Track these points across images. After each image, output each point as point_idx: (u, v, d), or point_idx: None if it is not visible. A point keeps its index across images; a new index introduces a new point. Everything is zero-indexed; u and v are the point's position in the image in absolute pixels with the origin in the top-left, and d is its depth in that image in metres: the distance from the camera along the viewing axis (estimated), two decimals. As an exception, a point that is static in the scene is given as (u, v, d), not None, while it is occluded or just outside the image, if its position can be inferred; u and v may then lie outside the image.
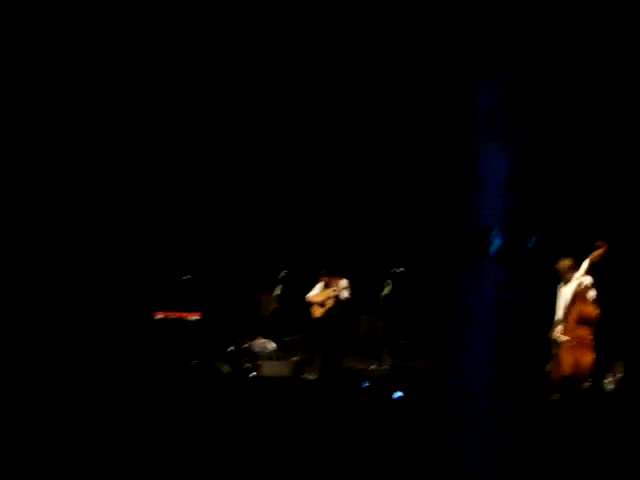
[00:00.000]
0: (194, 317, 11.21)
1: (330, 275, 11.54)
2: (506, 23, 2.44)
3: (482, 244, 2.39)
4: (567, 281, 9.47)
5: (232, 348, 11.10)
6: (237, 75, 12.14)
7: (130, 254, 12.18)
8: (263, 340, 11.78)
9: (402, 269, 12.20)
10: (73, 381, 6.22)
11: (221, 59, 11.80)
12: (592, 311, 9.16)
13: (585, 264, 9.43)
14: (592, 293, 9.34)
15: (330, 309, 11.53)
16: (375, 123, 12.91)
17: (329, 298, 11.55)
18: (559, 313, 9.55)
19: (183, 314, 11.23)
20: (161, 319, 10.97)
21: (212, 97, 12.76)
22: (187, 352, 10.74)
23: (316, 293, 11.65)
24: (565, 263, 9.64)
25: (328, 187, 14.05)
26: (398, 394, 6.51)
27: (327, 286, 11.58)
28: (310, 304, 11.70)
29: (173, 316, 11.08)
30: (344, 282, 11.56)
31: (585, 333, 9.14)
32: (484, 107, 2.46)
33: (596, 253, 9.44)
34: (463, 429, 2.34)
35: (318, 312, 11.65)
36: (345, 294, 11.53)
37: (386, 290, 12.13)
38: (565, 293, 9.53)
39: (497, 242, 2.38)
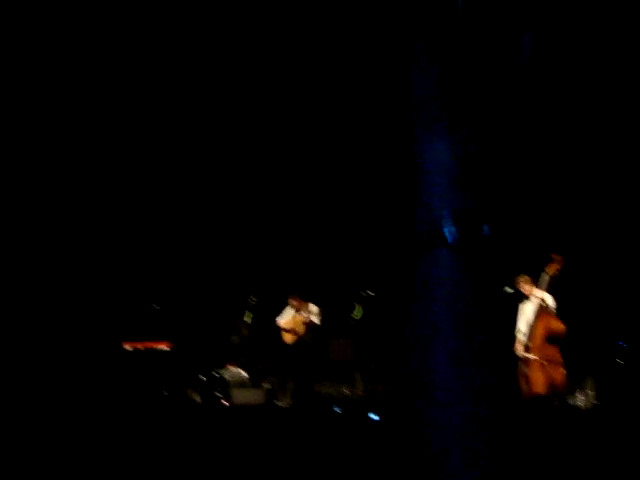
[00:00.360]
0: (163, 347, 11.08)
1: (300, 300, 11.49)
2: (436, 14, 2.48)
3: (435, 235, 2.41)
4: (526, 297, 9.46)
5: (203, 377, 10.99)
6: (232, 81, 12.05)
7: (98, 284, 12.04)
8: (234, 368, 11.69)
9: (372, 293, 12.21)
10: (44, 413, 6.12)
11: (219, 60, 11.72)
12: (559, 327, 9.13)
13: (543, 279, 9.42)
14: (552, 309, 9.34)
15: (301, 335, 11.48)
16: (316, 129, 12.85)
17: (300, 324, 11.50)
18: (520, 328, 9.54)
19: (152, 344, 11.10)
20: (131, 350, 10.83)
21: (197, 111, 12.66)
22: (158, 382, 10.62)
23: (286, 319, 11.59)
24: (523, 279, 9.66)
25: (287, 207, 14.01)
26: (374, 417, 6.50)
27: (297, 311, 11.53)
28: (280, 330, 11.64)
29: (142, 346, 10.94)
30: (314, 308, 11.51)
31: (554, 351, 9.09)
32: (422, 98, 2.49)
33: (553, 267, 9.44)
34: (427, 419, 2.35)
35: (289, 338, 11.58)
36: (315, 320, 11.49)
37: (357, 313, 12.11)
38: (526, 310, 9.50)
39: (449, 231, 2.40)
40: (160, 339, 11.26)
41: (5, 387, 7.82)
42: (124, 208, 12.60)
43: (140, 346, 10.87)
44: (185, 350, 11.19)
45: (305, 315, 11.38)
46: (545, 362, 9.06)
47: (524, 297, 9.48)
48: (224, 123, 12.76)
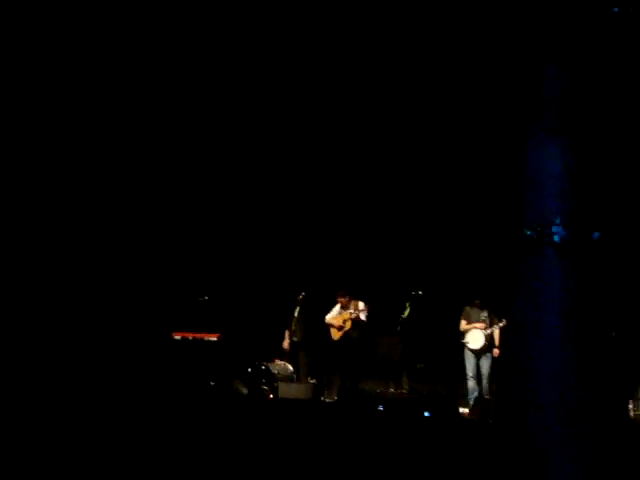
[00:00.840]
0: (212, 338, 11.19)
1: (348, 297, 11.51)
2: (570, 19, 2.45)
3: (544, 236, 2.39)
4: None
5: (250, 369, 11.06)
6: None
7: (149, 275, 12.21)
8: (281, 362, 11.74)
9: (421, 292, 12.15)
10: (91, 400, 6.23)
11: (216, 62, 11.78)
12: None
13: None
14: None
15: (347, 331, 11.49)
16: (422, 126, 12.69)
17: (347, 320, 11.51)
18: None
19: (202, 335, 11.22)
20: (179, 340, 10.97)
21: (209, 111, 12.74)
22: (205, 373, 10.73)
23: (334, 315, 11.62)
24: None
25: (347, 205, 14.03)
26: (426, 414, 6.50)
27: (344, 308, 11.54)
28: (328, 326, 11.67)
29: (191, 337, 11.07)
30: (361, 304, 11.52)
31: None
32: (545, 103, 2.48)
33: None
34: (530, 412, 2.35)
35: (336, 335, 11.61)
36: (362, 316, 11.49)
37: (405, 313, 12.06)
38: None
39: (560, 234, 2.41)
40: (209, 330, 11.38)
41: (55, 371, 7.98)
42: (179, 200, 12.75)
43: (189, 336, 11.00)
44: (233, 342, 11.29)
45: (352, 312, 11.40)
46: None
47: None
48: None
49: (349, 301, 11.51)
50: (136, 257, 12.19)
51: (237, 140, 13.20)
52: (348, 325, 11.47)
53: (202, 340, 11.12)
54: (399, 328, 12.39)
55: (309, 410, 7.93)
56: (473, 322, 10.76)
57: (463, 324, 10.85)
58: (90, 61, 11.58)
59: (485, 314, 10.73)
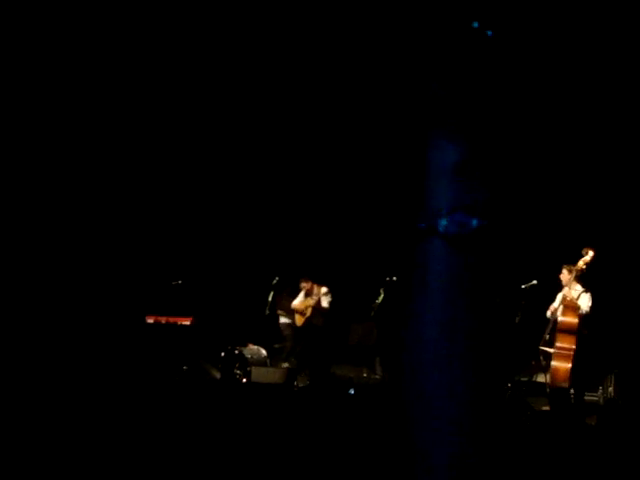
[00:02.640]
0: (185, 322, 11.14)
1: (311, 282, 11.54)
2: (450, 25, 2.61)
3: (432, 226, 2.55)
4: (568, 288, 9.41)
5: (223, 354, 11.04)
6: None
7: (122, 258, 12.13)
8: (254, 346, 11.74)
9: (395, 278, 12.18)
10: (64, 383, 6.18)
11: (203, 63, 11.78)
12: (567, 321, 9.05)
13: (572, 273, 9.36)
14: (582, 302, 9.24)
15: (309, 318, 11.53)
16: (333, 123, 12.94)
17: (308, 307, 11.56)
18: (547, 317, 9.54)
19: (174, 319, 11.16)
20: (152, 324, 10.90)
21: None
22: (178, 357, 10.69)
23: (300, 301, 11.67)
24: (565, 269, 9.63)
25: (320, 192, 14.05)
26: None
27: (308, 294, 11.58)
28: (294, 312, 11.74)
29: (164, 321, 11.00)
30: (324, 290, 11.54)
31: (567, 343, 9.01)
32: (433, 100, 2.63)
33: (583, 260, 9.36)
34: (417, 403, 2.48)
35: (299, 321, 11.69)
36: (324, 303, 11.52)
37: (379, 298, 12.10)
38: (556, 300, 9.51)
39: (444, 223, 2.53)
40: (182, 314, 11.33)
41: (22, 361, 7.92)
42: (152, 185, 12.67)
43: (162, 320, 10.93)
44: (206, 326, 11.25)
45: (314, 298, 11.43)
46: (557, 353, 9.05)
47: (565, 286, 9.46)
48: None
49: (312, 287, 11.55)
50: (108, 241, 12.10)
51: (207, 130, 13.15)
52: (309, 312, 11.52)
53: (175, 324, 11.06)
54: (373, 314, 12.44)
55: (281, 395, 7.93)
56: None
57: None
58: (88, 61, 11.52)
59: None
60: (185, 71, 11.77)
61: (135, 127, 12.44)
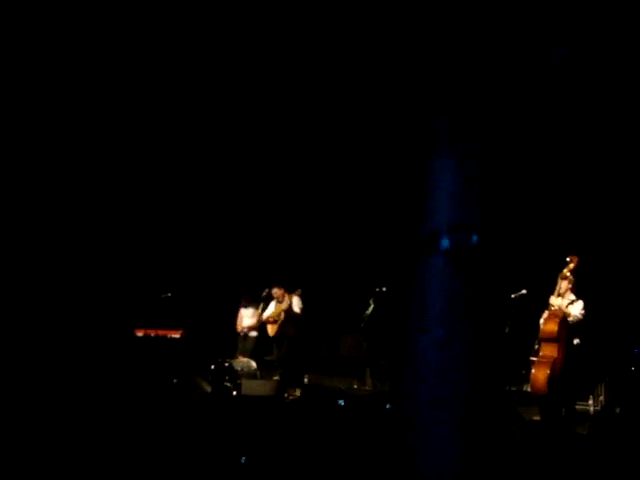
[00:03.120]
0: (175, 335, 11.10)
1: (283, 290, 11.49)
2: (454, 55, 2.74)
3: (433, 243, 2.66)
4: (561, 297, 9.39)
5: (213, 366, 11.00)
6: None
7: (111, 272, 12.08)
8: (244, 358, 11.70)
9: (384, 289, 12.18)
10: (53, 396, 6.15)
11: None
12: (548, 329, 9.04)
13: (565, 281, 9.34)
14: (575, 310, 9.23)
15: (282, 325, 11.46)
16: (338, 141, 13.01)
17: (280, 314, 11.51)
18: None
19: (164, 332, 11.12)
20: (142, 337, 10.86)
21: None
22: (168, 370, 10.64)
23: (270, 311, 11.66)
24: (560, 276, 9.64)
25: (311, 202, 14.05)
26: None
27: (280, 302, 11.55)
28: (265, 324, 11.70)
29: (154, 334, 10.96)
30: (295, 297, 11.48)
31: (550, 351, 8.98)
32: (436, 126, 2.73)
33: (567, 268, 9.36)
34: (418, 406, 2.56)
35: (272, 330, 11.66)
36: (296, 308, 11.46)
37: (369, 309, 12.09)
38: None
39: (445, 241, 2.65)
40: (172, 327, 11.28)
41: (13, 370, 7.87)
42: (140, 198, 12.64)
43: (151, 333, 10.89)
44: (196, 339, 11.21)
45: (285, 304, 11.38)
46: (537, 362, 9.02)
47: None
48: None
49: (284, 295, 11.51)
50: (99, 253, 12.05)
51: (199, 138, 13.15)
52: (282, 317, 11.47)
53: (165, 337, 11.02)
54: (363, 325, 12.42)
55: (271, 407, 7.90)
56: None
57: None
58: (86, 60, 11.50)
59: None
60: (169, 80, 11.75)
61: (123, 139, 12.42)
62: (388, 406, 5.61)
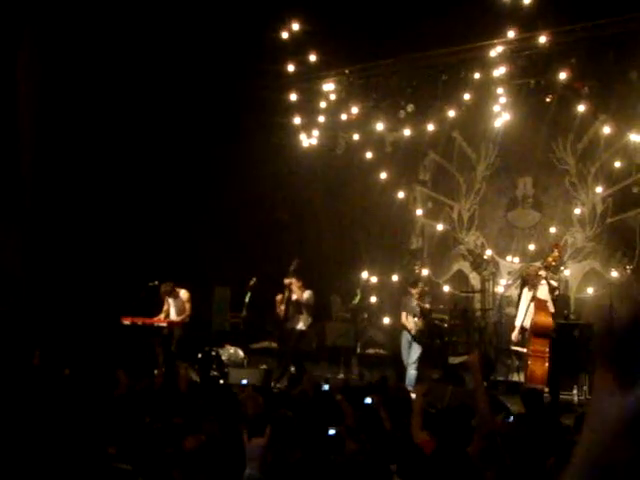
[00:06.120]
0: (162, 323, 11.07)
1: (172, 286, 11.10)
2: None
3: None
4: (532, 286, 9.32)
5: (200, 355, 11.00)
6: None
7: (98, 260, 12.03)
8: (232, 347, 11.71)
9: (371, 279, 12.22)
10: (37, 385, 6.13)
11: None
12: (544, 322, 8.93)
13: (543, 270, 9.25)
14: (544, 288, 9.17)
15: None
16: None
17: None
18: (518, 318, 9.46)
19: (151, 320, 11.09)
20: (128, 325, 10.81)
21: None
22: (154, 358, 10.63)
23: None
24: (533, 267, 9.63)
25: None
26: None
27: (167, 297, 11.18)
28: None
29: (140, 322, 10.91)
30: (182, 292, 11.17)
31: (542, 345, 8.91)
32: None
33: (552, 256, 9.30)
34: None
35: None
36: (185, 305, 11.14)
37: (356, 299, 12.13)
38: (525, 299, 9.45)
39: None
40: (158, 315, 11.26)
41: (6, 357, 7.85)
42: (126, 187, 12.59)
43: (138, 321, 10.85)
44: (183, 327, 11.15)
45: (172, 301, 11.10)
46: (532, 356, 8.95)
47: (529, 286, 9.39)
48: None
49: (173, 290, 11.14)
50: (85, 242, 11.99)
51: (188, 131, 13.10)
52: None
53: (151, 325, 10.99)
54: (350, 314, 12.47)
55: (261, 395, 7.90)
56: (409, 312, 10.70)
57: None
58: (85, 59, 11.48)
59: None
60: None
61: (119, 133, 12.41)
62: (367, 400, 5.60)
